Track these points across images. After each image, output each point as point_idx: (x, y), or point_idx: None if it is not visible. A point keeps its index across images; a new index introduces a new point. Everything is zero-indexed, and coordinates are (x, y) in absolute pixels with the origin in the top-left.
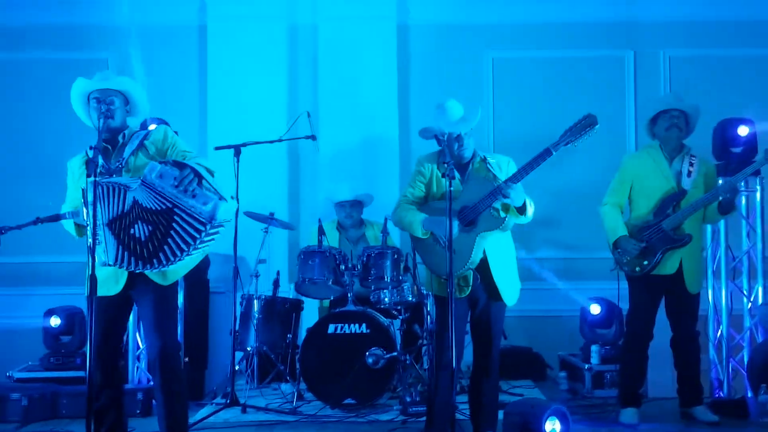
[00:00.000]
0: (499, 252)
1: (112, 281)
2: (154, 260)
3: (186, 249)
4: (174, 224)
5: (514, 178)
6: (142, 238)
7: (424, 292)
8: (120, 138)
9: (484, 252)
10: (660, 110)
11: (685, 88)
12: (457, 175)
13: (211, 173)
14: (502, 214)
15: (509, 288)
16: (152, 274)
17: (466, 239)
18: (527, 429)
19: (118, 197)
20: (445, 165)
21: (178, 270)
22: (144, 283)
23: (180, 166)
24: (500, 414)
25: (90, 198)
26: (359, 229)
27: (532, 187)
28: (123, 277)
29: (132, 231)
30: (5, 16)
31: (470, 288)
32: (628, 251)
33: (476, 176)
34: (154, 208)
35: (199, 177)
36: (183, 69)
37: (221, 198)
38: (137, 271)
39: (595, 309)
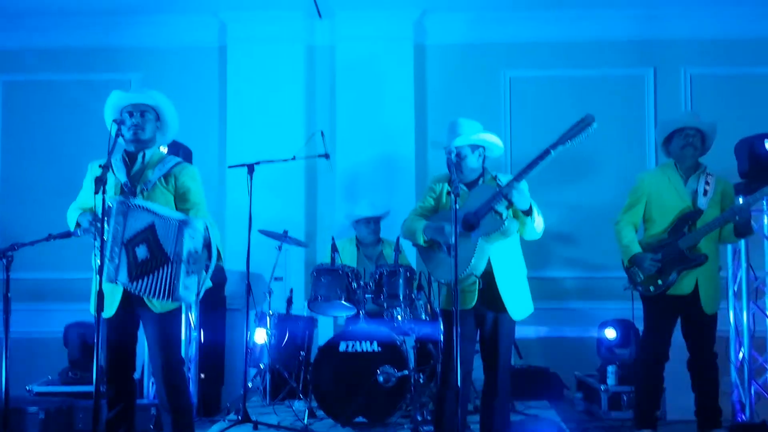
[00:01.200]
0: (505, 263)
1: (108, 302)
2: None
3: (156, 295)
4: (161, 270)
5: (516, 179)
6: (144, 260)
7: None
8: (147, 153)
9: (489, 262)
10: (675, 128)
11: (705, 107)
12: (465, 190)
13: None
14: (505, 215)
15: (516, 301)
16: (148, 302)
17: (466, 243)
18: None
19: (141, 219)
20: (450, 183)
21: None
22: (140, 307)
23: (207, 246)
24: None
25: (100, 214)
26: (377, 247)
27: (552, 204)
28: (117, 299)
29: (137, 251)
30: (26, 38)
31: (476, 297)
32: (645, 267)
33: (481, 186)
34: (162, 244)
35: (207, 266)
36: (203, 89)
37: (197, 294)
38: (138, 293)
39: (611, 333)
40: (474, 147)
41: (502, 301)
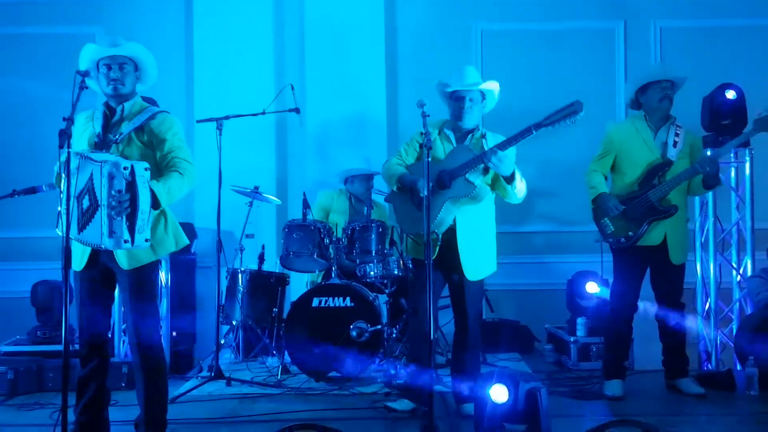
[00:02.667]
0: (470, 224)
1: (78, 257)
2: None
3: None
4: (94, 217)
5: (495, 148)
6: (85, 209)
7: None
8: (126, 106)
9: (455, 221)
10: (652, 80)
11: (675, 60)
12: (453, 143)
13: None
14: (480, 184)
15: (473, 262)
16: (117, 256)
17: (435, 201)
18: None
19: (86, 170)
20: (423, 134)
21: (140, 256)
22: (111, 262)
23: (130, 186)
24: None
25: (73, 165)
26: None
27: (524, 160)
28: (86, 255)
29: (83, 202)
30: None
31: (436, 251)
32: (608, 207)
33: (462, 145)
34: (95, 190)
35: (134, 209)
36: (169, 42)
37: (126, 241)
38: (85, 244)
39: (592, 287)
40: (482, 96)
41: (459, 260)
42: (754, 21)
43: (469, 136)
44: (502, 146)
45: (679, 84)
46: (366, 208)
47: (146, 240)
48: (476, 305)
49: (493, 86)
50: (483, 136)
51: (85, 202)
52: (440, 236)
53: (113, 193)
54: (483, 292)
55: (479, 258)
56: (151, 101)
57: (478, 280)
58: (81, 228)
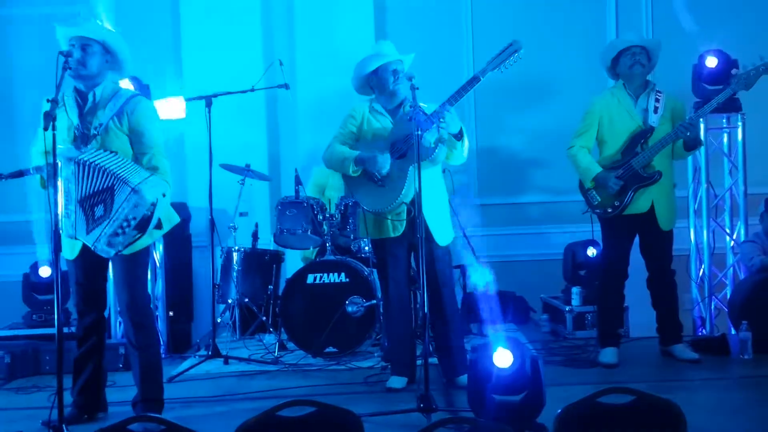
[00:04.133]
0: (431, 190)
1: (68, 246)
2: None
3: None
4: (103, 224)
5: (447, 103)
6: (99, 216)
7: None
8: (97, 91)
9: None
10: (621, 49)
11: (667, 26)
12: (388, 117)
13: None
14: (432, 143)
15: (441, 228)
16: None
17: (398, 173)
18: (479, 366)
19: (101, 179)
20: (412, 108)
21: (137, 242)
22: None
23: (146, 218)
24: None
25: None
26: None
27: (516, 130)
28: (77, 246)
29: (96, 210)
30: None
31: (404, 224)
32: (608, 186)
33: (408, 111)
34: (114, 205)
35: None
36: (156, 20)
37: (117, 252)
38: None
39: (592, 251)
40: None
41: (428, 228)
42: None
43: (401, 108)
44: (452, 100)
45: (651, 48)
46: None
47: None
48: (446, 274)
49: (400, 55)
50: (413, 106)
51: (99, 211)
52: (408, 206)
53: (129, 218)
54: (451, 260)
55: (444, 221)
56: (141, 83)
57: (446, 245)
58: (88, 231)
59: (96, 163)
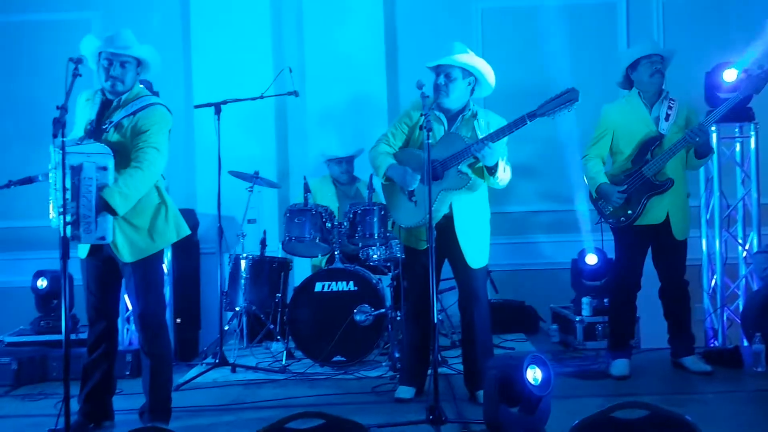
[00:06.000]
0: (467, 211)
1: (81, 246)
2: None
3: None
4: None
5: (485, 141)
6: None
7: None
8: (123, 97)
9: (450, 208)
10: (641, 56)
11: (678, 34)
12: (445, 125)
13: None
14: (472, 175)
15: (474, 250)
16: (118, 249)
17: (428, 192)
18: (509, 381)
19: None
20: (423, 116)
21: (142, 248)
22: (113, 254)
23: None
24: None
25: (58, 158)
26: (352, 186)
27: (523, 138)
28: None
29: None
30: None
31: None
32: (611, 200)
33: (454, 132)
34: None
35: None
36: (165, 27)
37: (75, 237)
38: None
39: (591, 259)
40: (465, 73)
41: (459, 248)
42: None
43: (459, 117)
44: (493, 137)
45: (668, 58)
46: (368, 191)
47: (100, 238)
48: (478, 291)
49: (472, 61)
50: (474, 115)
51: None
52: (434, 226)
53: (65, 187)
54: (486, 279)
55: (479, 244)
56: (147, 84)
57: (481, 267)
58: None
59: (69, 147)
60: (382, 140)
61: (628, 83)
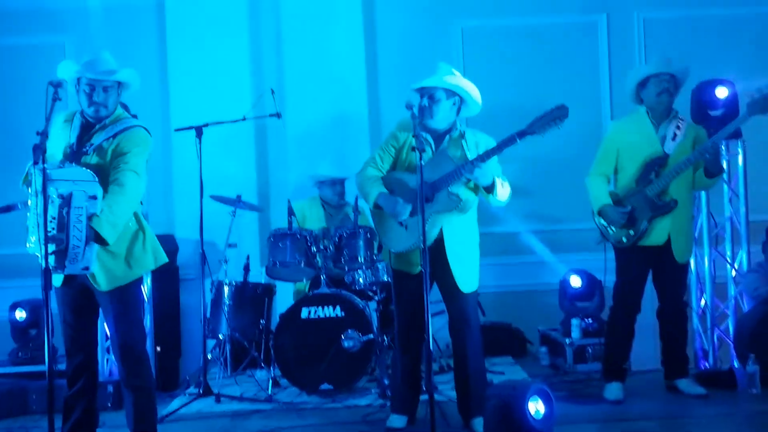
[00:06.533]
0: (458, 234)
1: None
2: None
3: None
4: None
5: (475, 162)
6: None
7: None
8: (105, 122)
9: (441, 231)
10: (650, 74)
11: (659, 51)
12: (432, 146)
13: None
14: (462, 196)
15: (465, 274)
16: (94, 277)
17: (418, 215)
18: (510, 412)
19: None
20: (415, 137)
21: (119, 276)
22: (88, 282)
23: (62, 218)
24: None
25: (39, 184)
26: (342, 209)
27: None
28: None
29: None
30: None
31: (418, 267)
32: (614, 220)
33: (442, 153)
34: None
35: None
36: (141, 49)
37: (55, 268)
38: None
39: (576, 281)
40: (449, 93)
41: (451, 272)
42: (738, 10)
43: (447, 137)
44: (483, 157)
45: (680, 78)
46: (353, 213)
47: (84, 268)
48: (475, 317)
49: (457, 82)
50: (462, 135)
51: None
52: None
53: (49, 218)
54: (477, 303)
55: (470, 268)
56: (123, 106)
57: (472, 292)
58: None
59: (49, 170)
60: (369, 164)
61: (638, 99)
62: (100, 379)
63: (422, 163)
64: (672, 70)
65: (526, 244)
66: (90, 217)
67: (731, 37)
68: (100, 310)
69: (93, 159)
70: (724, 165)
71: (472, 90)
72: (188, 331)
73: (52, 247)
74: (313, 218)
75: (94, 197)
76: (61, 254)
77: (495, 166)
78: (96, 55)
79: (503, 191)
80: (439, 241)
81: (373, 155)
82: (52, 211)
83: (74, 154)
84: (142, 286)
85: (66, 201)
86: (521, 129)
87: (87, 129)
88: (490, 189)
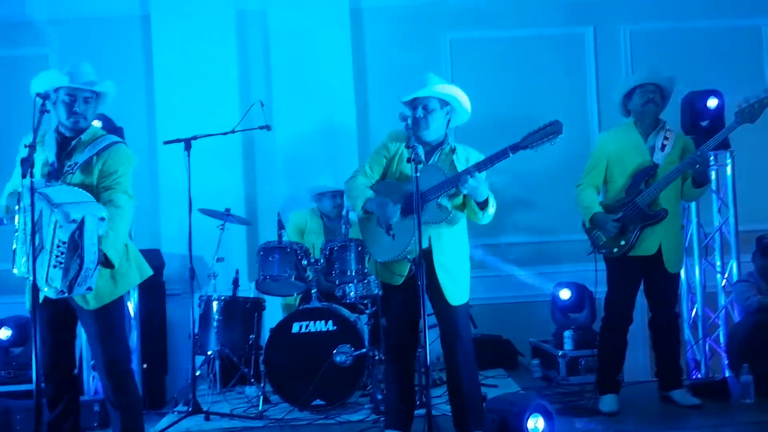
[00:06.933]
0: (447, 246)
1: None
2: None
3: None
4: (39, 257)
5: (470, 171)
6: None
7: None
8: (82, 136)
9: (429, 242)
10: (635, 85)
11: (646, 63)
12: (423, 159)
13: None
14: (450, 209)
15: (454, 286)
16: (79, 299)
17: (407, 226)
18: (508, 428)
19: (38, 207)
20: (410, 149)
21: (104, 294)
22: (72, 301)
23: (76, 241)
24: None
25: (27, 201)
26: (340, 222)
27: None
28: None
29: (36, 240)
30: None
31: (404, 278)
32: (606, 229)
33: (433, 165)
34: (43, 231)
35: (80, 262)
36: (127, 62)
37: (62, 292)
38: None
39: (565, 294)
40: (443, 103)
41: (439, 285)
42: (722, 22)
43: (438, 151)
44: (479, 168)
45: (666, 88)
46: (344, 226)
47: (88, 288)
48: (468, 330)
49: (449, 90)
50: (453, 150)
51: (37, 239)
52: (413, 261)
53: (57, 243)
54: (468, 316)
55: (459, 281)
56: (108, 119)
57: (462, 304)
58: (35, 265)
59: (40, 190)
60: (359, 172)
61: (626, 111)
62: (85, 398)
63: (411, 174)
64: (657, 80)
65: (516, 255)
66: (100, 241)
67: (716, 48)
68: (79, 327)
69: (77, 177)
70: (713, 175)
71: (462, 98)
72: (175, 348)
73: (61, 271)
74: (312, 230)
75: (103, 219)
76: (73, 279)
77: (485, 184)
78: (76, 66)
79: (492, 210)
80: (427, 253)
81: (363, 164)
82: (62, 235)
83: (56, 172)
84: (127, 303)
85: (79, 225)
86: (515, 143)
87: (64, 146)
88: (483, 205)
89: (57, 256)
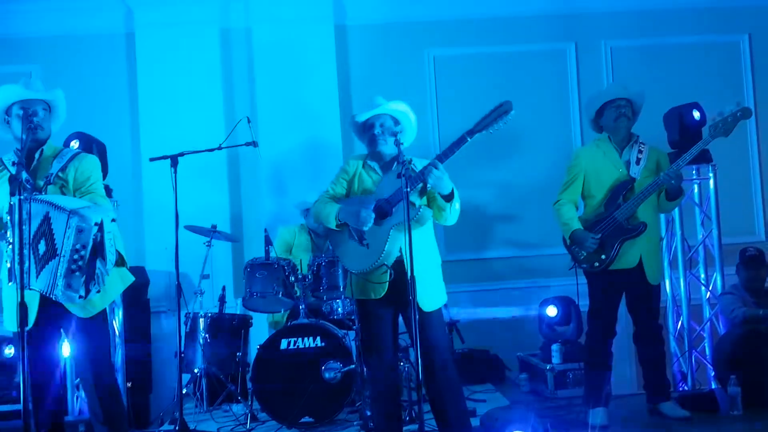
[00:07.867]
0: (418, 252)
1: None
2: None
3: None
4: (51, 264)
5: (435, 161)
6: (42, 254)
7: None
8: (44, 149)
9: (401, 250)
10: (606, 101)
11: (627, 78)
12: (379, 173)
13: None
14: (417, 204)
15: (427, 292)
16: (72, 307)
17: (379, 232)
18: None
19: (38, 212)
20: (401, 163)
21: (96, 303)
22: (62, 314)
23: (97, 243)
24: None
25: (16, 218)
26: (327, 239)
27: (482, 184)
28: (34, 309)
29: (39, 247)
30: None
31: (386, 287)
32: (585, 245)
33: (393, 172)
34: (54, 236)
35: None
36: (111, 79)
37: (81, 297)
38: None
39: (552, 311)
40: (396, 121)
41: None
42: (701, 38)
43: (394, 164)
44: (441, 158)
45: (636, 101)
46: (328, 242)
47: (98, 291)
48: (444, 336)
49: (399, 107)
50: (409, 161)
51: (41, 247)
52: (390, 269)
53: (77, 247)
54: (444, 321)
55: (431, 286)
56: (99, 142)
57: (436, 310)
58: (38, 273)
59: (40, 198)
60: (324, 194)
61: (598, 127)
62: (70, 418)
63: (373, 188)
64: (627, 94)
65: (503, 269)
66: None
67: (695, 64)
68: (58, 349)
69: (55, 188)
70: (695, 189)
71: (410, 113)
72: (159, 366)
73: (80, 276)
74: (301, 246)
75: (114, 220)
76: (88, 279)
77: (447, 177)
78: (23, 80)
79: (457, 206)
80: (400, 262)
81: (326, 189)
82: (84, 239)
83: (33, 186)
84: (112, 321)
85: (100, 228)
86: (469, 128)
87: (30, 161)
88: (449, 197)
89: (76, 260)
